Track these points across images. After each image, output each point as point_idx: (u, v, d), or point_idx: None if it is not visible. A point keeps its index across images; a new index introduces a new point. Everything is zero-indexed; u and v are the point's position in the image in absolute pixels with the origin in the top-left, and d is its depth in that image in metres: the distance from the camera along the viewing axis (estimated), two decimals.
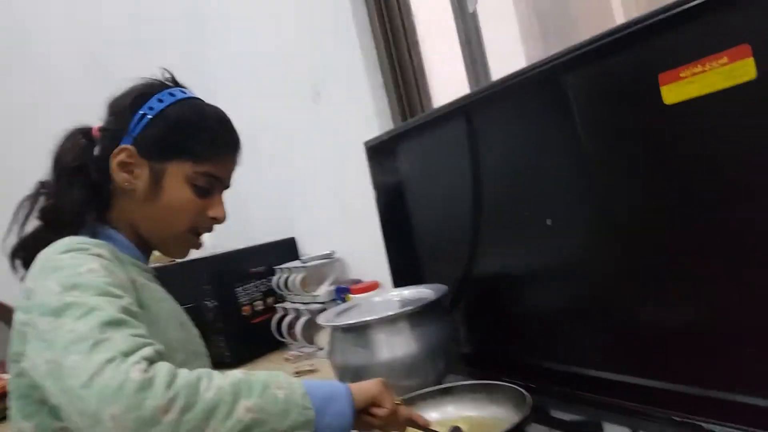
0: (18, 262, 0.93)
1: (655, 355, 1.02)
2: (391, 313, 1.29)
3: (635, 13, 0.92)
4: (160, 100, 0.94)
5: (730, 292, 0.89)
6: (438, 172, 1.48)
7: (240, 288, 2.18)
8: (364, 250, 2.07)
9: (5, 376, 1.80)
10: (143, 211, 0.95)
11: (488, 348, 1.44)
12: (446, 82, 1.81)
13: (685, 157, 0.91)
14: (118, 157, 0.93)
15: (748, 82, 0.80)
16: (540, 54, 1.38)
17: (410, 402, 1.13)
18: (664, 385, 1.00)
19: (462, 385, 1.14)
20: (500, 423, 1.03)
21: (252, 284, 2.22)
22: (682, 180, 0.92)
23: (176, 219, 0.96)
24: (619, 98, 0.99)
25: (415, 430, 0.96)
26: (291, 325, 2.14)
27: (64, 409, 0.69)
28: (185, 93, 0.98)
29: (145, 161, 0.94)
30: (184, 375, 0.70)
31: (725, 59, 0.81)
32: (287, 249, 2.39)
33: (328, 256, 2.15)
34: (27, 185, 0.99)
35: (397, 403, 0.91)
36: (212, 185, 0.98)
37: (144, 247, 1.00)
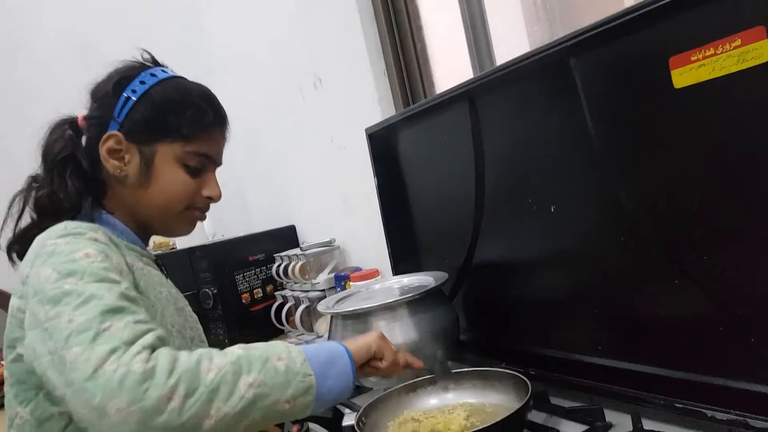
0: (15, 256, 0.93)
1: (658, 342, 1.01)
2: (391, 300, 1.29)
3: None
4: (143, 82, 0.93)
5: (733, 280, 0.88)
6: (440, 159, 1.46)
7: (240, 276, 2.17)
8: (364, 238, 2.06)
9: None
10: (138, 195, 0.94)
11: (488, 335, 1.43)
12: (450, 68, 1.80)
13: (694, 143, 0.89)
14: (106, 145, 0.92)
15: (761, 65, 0.78)
16: (545, 39, 1.36)
17: (411, 388, 1.12)
18: (666, 372, 1.00)
19: (462, 371, 1.13)
20: (500, 409, 1.02)
21: (251, 272, 2.22)
22: (690, 166, 0.91)
23: (172, 201, 0.95)
24: (627, 83, 0.98)
25: None
26: (290, 313, 2.13)
27: (68, 401, 0.69)
28: (167, 72, 0.97)
29: (134, 145, 0.93)
30: (185, 359, 0.70)
31: (738, 41, 0.80)
32: (287, 237, 2.39)
33: (327, 244, 2.14)
34: (17, 174, 0.98)
35: (396, 351, 0.95)
36: (204, 164, 0.97)
37: (142, 232, 0.99)
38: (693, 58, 0.86)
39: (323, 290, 2.01)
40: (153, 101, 0.92)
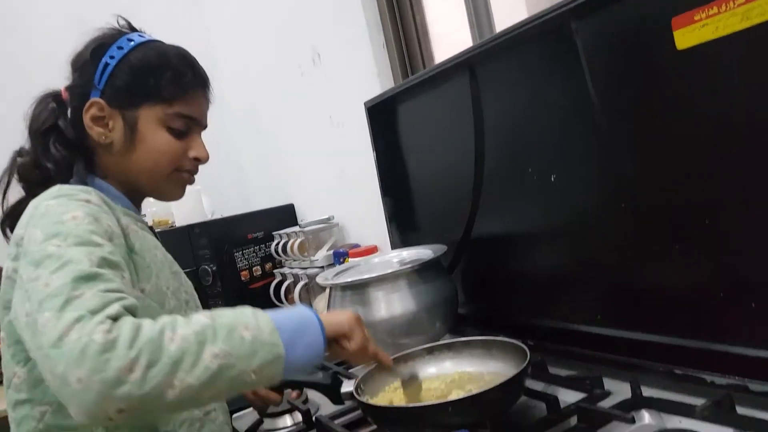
0: (8, 231, 0.93)
1: (657, 310, 1.00)
2: (389, 270, 1.28)
3: None
4: (120, 48, 0.93)
5: (734, 245, 0.87)
6: (440, 131, 1.45)
7: (239, 253, 2.17)
8: (363, 215, 2.05)
9: None
10: (125, 161, 0.94)
11: (487, 308, 1.42)
12: (450, 42, 1.78)
13: (697, 105, 0.88)
14: (89, 113, 0.92)
15: (765, 23, 0.77)
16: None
17: (410, 357, 1.12)
18: (666, 340, 0.99)
19: (460, 341, 1.12)
20: (499, 377, 1.01)
21: (250, 250, 2.22)
22: (692, 129, 0.89)
23: (159, 163, 0.95)
24: (629, 45, 0.96)
25: None
26: (289, 291, 2.13)
27: (39, 365, 0.70)
28: (143, 36, 0.97)
29: (117, 111, 0.93)
30: (147, 330, 0.69)
31: None
32: (286, 215, 2.39)
33: (326, 221, 2.14)
34: (7, 146, 0.98)
35: (368, 338, 0.93)
36: (188, 126, 0.97)
37: (134, 197, 0.99)
38: (696, 18, 0.84)
39: (322, 267, 2.00)
40: (131, 66, 0.92)
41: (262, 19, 2.39)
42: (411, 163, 1.60)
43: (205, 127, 1.01)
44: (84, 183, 0.91)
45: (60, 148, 0.92)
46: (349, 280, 1.32)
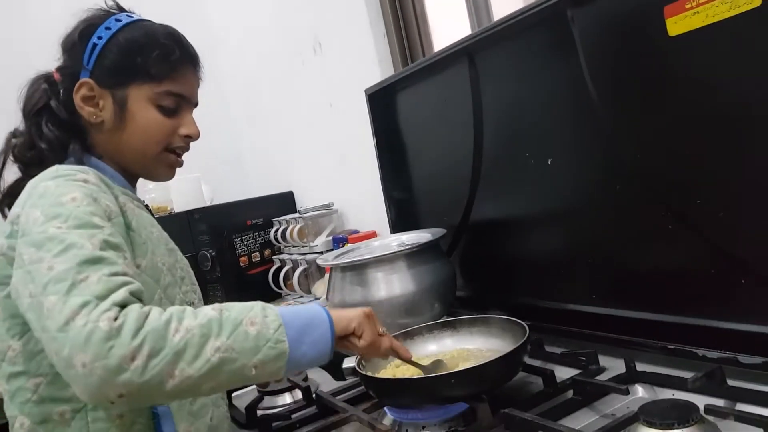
0: (7, 210, 0.93)
1: (651, 289, 1.04)
2: (389, 252, 1.31)
3: None
4: (108, 28, 0.93)
5: (726, 223, 0.90)
6: (438, 117, 1.48)
7: (238, 239, 2.19)
8: (362, 202, 2.08)
9: None
10: (117, 140, 0.95)
11: (484, 290, 1.46)
12: (449, 30, 1.80)
13: (688, 90, 0.91)
14: (79, 93, 0.93)
15: (752, 10, 0.80)
16: None
17: (409, 335, 1.15)
18: (659, 317, 1.02)
19: (460, 319, 1.16)
20: (498, 354, 1.04)
21: (249, 236, 2.24)
22: (685, 112, 0.93)
23: (149, 141, 0.96)
24: (623, 33, 0.99)
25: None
26: (287, 277, 2.16)
27: (44, 345, 0.71)
28: (132, 16, 0.97)
29: (107, 91, 0.93)
30: (153, 320, 0.71)
31: None
32: (285, 202, 2.41)
33: (325, 207, 2.16)
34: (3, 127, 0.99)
35: (380, 334, 0.93)
36: (178, 104, 0.97)
37: (128, 177, 1.00)
38: (687, 6, 0.88)
39: (321, 252, 2.03)
40: (119, 45, 0.93)
41: (263, 8, 2.40)
42: (410, 149, 1.63)
43: (195, 104, 1.02)
44: (81, 163, 0.92)
45: (53, 128, 0.93)
46: (349, 260, 1.35)
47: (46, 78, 0.97)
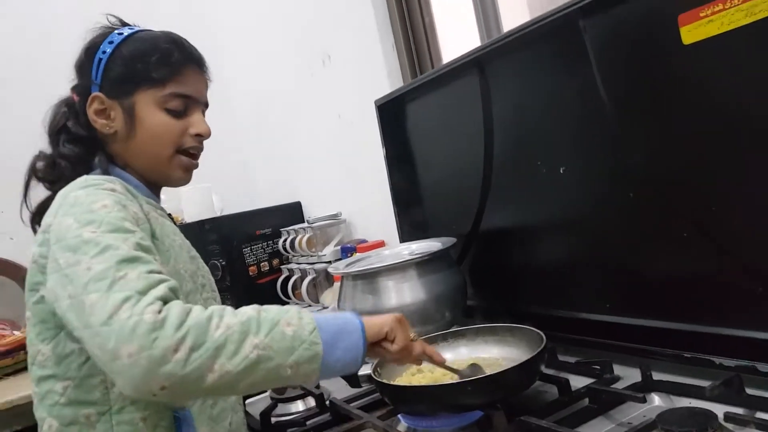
0: (38, 227, 0.96)
1: (665, 297, 1.03)
2: (400, 260, 1.31)
3: None
4: (111, 42, 0.97)
5: (741, 231, 0.90)
6: (448, 127, 1.48)
7: (247, 248, 2.21)
8: (370, 211, 2.09)
9: (17, 333, 1.84)
10: (130, 148, 0.98)
11: (495, 299, 1.45)
12: (458, 43, 1.81)
13: (703, 98, 0.91)
14: (92, 107, 0.96)
15: None
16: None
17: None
18: (674, 325, 1.02)
19: (475, 328, 1.16)
20: (514, 363, 1.04)
21: (258, 245, 2.25)
22: (698, 121, 0.93)
23: (160, 144, 0.98)
24: (636, 42, 0.99)
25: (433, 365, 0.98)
26: (296, 286, 2.16)
27: (85, 342, 0.74)
28: (133, 28, 1.00)
29: (115, 101, 0.96)
30: (196, 314, 0.73)
31: None
32: (293, 213, 2.43)
33: (334, 217, 2.17)
34: (26, 143, 1.03)
35: (411, 339, 0.92)
36: (186, 105, 0.99)
37: (150, 186, 1.02)
38: (702, 15, 0.88)
39: (329, 262, 2.03)
40: (122, 56, 0.96)
41: (272, 20, 2.42)
42: (419, 160, 1.63)
43: (203, 103, 1.03)
44: (106, 173, 0.95)
45: (69, 146, 0.97)
46: (361, 269, 1.35)
47: (66, 101, 1.01)
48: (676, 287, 1.02)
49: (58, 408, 0.87)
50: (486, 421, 0.94)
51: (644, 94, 1.00)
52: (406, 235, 1.68)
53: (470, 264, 1.49)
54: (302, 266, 2.12)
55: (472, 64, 1.32)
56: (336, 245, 2.09)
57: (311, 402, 1.22)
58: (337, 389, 1.23)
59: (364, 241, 2.03)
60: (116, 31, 0.98)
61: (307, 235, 2.11)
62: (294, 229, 2.18)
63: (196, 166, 1.04)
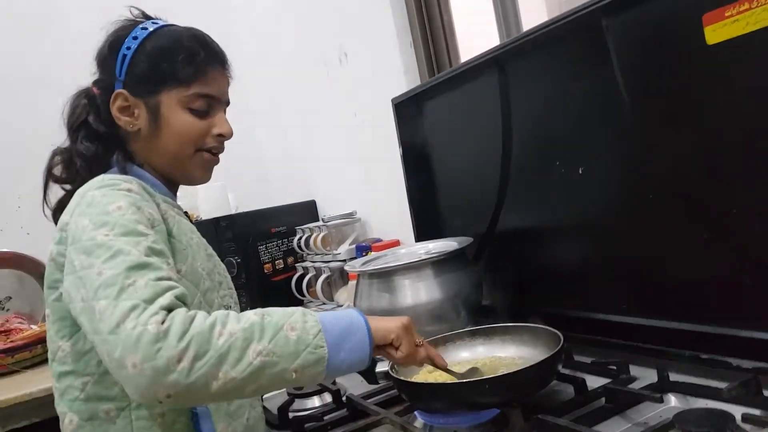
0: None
1: (683, 298, 1.03)
2: (416, 259, 1.31)
3: None
4: (135, 37, 0.96)
5: (762, 232, 0.90)
6: (465, 126, 1.49)
7: (262, 246, 2.22)
8: (385, 210, 2.09)
9: (35, 327, 1.86)
10: (153, 146, 0.98)
11: (511, 299, 1.45)
12: (476, 41, 1.81)
13: (726, 99, 0.91)
14: (115, 104, 0.96)
15: None
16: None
17: (441, 342, 1.15)
18: (691, 327, 1.01)
19: (493, 327, 1.16)
20: (531, 362, 1.04)
21: (273, 243, 2.26)
22: (721, 121, 0.92)
23: (184, 144, 0.98)
24: (659, 41, 0.99)
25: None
26: (310, 284, 2.17)
27: (96, 346, 0.75)
28: (157, 23, 1.00)
29: (140, 99, 0.96)
30: (199, 323, 0.74)
31: None
32: (308, 211, 2.44)
33: (349, 216, 2.17)
34: (45, 141, 1.03)
35: (417, 345, 0.93)
36: (210, 105, 0.99)
37: (168, 184, 1.03)
38: (727, 14, 0.87)
39: (344, 260, 2.04)
40: (147, 53, 0.95)
41: (289, 18, 2.43)
42: (436, 159, 1.63)
43: (227, 103, 1.03)
44: (124, 172, 0.96)
45: (86, 143, 0.97)
46: (377, 267, 1.35)
47: (86, 93, 1.01)
48: (693, 289, 1.01)
49: (78, 403, 0.88)
50: (502, 419, 0.94)
51: (666, 94, 1.00)
52: (421, 235, 1.69)
53: (486, 263, 1.48)
54: (317, 264, 2.13)
55: (490, 63, 1.32)
56: (351, 244, 2.10)
57: (328, 398, 1.23)
58: (354, 385, 1.24)
59: (379, 240, 2.04)
60: (140, 26, 0.98)
61: (321, 234, 2.12)
62: (309, 228, 2.19)
63: (217, 162, 1.04)
